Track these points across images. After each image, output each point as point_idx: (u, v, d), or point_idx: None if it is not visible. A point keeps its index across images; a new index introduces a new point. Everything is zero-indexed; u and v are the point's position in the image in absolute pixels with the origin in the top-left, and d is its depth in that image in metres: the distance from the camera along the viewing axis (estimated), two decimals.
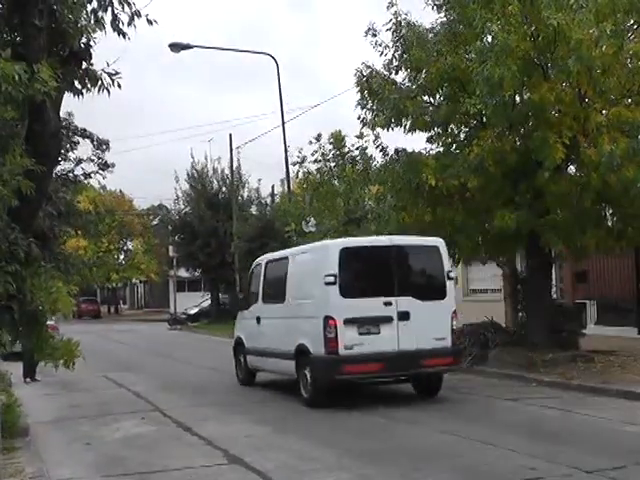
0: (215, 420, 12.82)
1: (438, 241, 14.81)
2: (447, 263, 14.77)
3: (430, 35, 17.43)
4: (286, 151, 31.59)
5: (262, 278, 16.87)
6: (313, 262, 14.73)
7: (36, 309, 9.91)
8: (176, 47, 31.76)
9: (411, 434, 11.11)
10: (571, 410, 12.49)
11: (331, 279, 13.69)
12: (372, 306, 13.75)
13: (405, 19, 17.56)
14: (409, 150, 17.98)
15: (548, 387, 15.03)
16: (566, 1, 15.08)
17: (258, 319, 16.66)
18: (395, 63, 17.78)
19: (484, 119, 17.00)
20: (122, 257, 71.67)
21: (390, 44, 17.67)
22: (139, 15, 9.66)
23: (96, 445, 11.03)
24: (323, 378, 13.85)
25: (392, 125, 17.75)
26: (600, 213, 17.01)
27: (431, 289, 14.48)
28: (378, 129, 18.29)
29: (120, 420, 13.00)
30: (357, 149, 23.98)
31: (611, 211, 17.11)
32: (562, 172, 16.29)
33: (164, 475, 9.01)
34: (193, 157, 50.63)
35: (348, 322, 13.56)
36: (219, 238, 46.40)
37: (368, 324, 13.71)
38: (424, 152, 18.00)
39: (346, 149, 24.82)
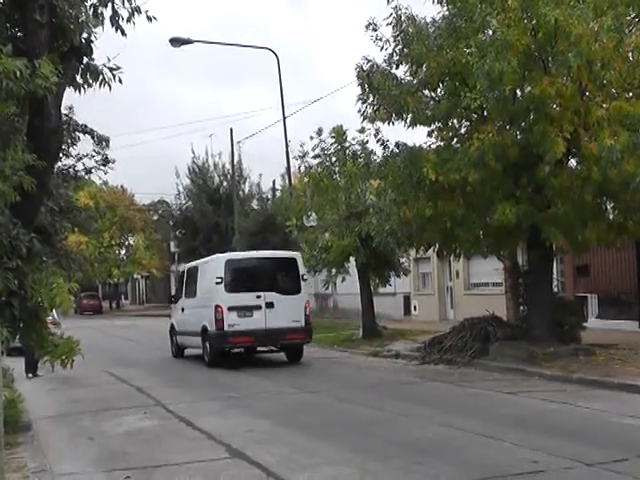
0: (217, 414, 12.85)
1: (295, 254, 21.80)
2: (302, 269, 21.03)
3: (431, 29, 17.37)
4: (287, 145, 31.57)
5: (185, 280, 23.55)
6: (210, 269, 21.15)
7: (36, 305, 9.92)
8: (176, 42, 31.70)
9: (412, 427, 11.11)
10: (572, 403, 12.51)
11: (219, 280, 20.02)
12: (247, 298, 19.90)
13: (406, 13, 17.53)
14: (410, 144, 17.98)
15: (549, 380, 15.07)
16: None
17: (182, 309, 23.19)
18: (396, 58, 17.75)
19: (485, 113, 16.99)
20: (123, 252, 71.71)
21: (391, 39, 17.65)
22: (139, 11, 9.66)
23: (99, 440, 11.07)
24: (215, 347, 20.20)
25: (393, 119, 17.80)
26: (601, 207, 16.98)
27: (290, 287, 20.55)
28: (379, 123, 18.33)
29: (122, 415, 13.03)
30: (358, 143, 24.01)
31: (612, 205, 17.08)
32: (563, 166, 16.28)
33: (167, 470, 9.02)
34: (194, 152, 50.72)
35: (231, 309, 19.74)
36: (221, 233, 46.43)
37: (244, 310, 19.85)
38: (425, 146, 18.01)
39: (347, 143, 24.82)
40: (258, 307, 19.88)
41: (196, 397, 15.12)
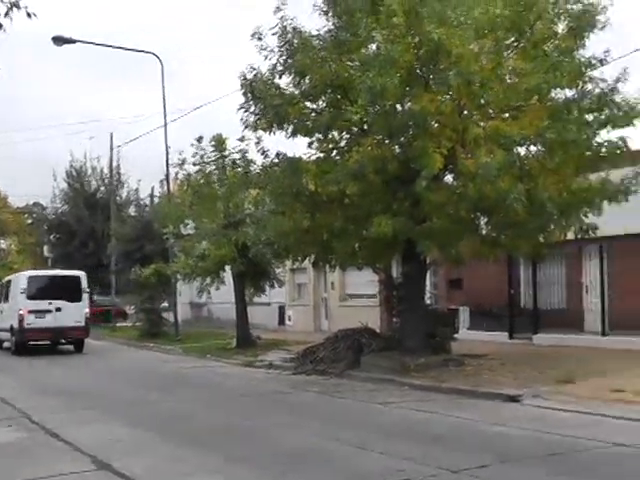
0: (85, 425, 12.45)
1: (80, 273, 28.96)
2: (85, 284, 28.27)
3: (315, 41, 17.42)
4: (167, 152, 31.17)
5: (5, 289, 30.22)
6: (17, 282, 28.44)
7: None
8: (59, 41, 31.12)
9: (283, 437, 11.06)
10: (441, 412, 12.76)
11: (22, 290, 27.32)
12: (42, 304, 27.13)
13: (291, 24, 17.50)
14: (290, 155, 17.99)
15: (420, 390, 15.32)
16: (447, 16, 15.41)
17: (1, 311, 29.83)
18: (280, 67, 17.67)
19: (365, 127, 17.15)
20: None
21: (275, 49, 17.59)
22: (18, 6, 9.29)
23: None
24: (19, 340, 27.35)
25: (274, 129, 17.75)
26: (475, 222, 17.39)
27: (74, 297, 27.63)
28: (260, 132, 18.25)
29: None
30: (238, 152, 23.92)
31: (486, 220, 17.51)
32: (440, 181, 16.59)
33: None
34: (72, 155, 49.45)
35: (30, 312, 26.91)
36: (97, 239, 45.39)
37: (40, 313, 27.04)
38: (305, 157, 18.03)
39: (227, 152, 24.72)
40: (50, 311, 27.16)
41: (64, 407, 14.63)
